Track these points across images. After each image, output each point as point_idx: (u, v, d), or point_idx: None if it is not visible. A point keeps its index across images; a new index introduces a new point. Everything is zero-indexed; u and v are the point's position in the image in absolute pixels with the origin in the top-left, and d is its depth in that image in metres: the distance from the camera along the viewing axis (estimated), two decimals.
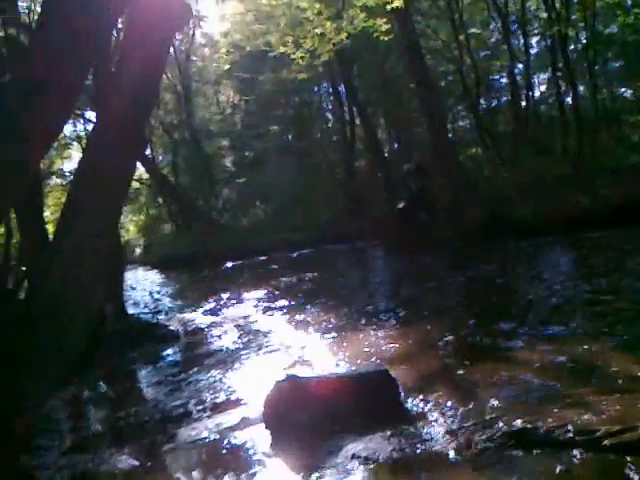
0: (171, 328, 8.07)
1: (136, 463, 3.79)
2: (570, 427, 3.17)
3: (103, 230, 4.76)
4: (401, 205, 15.25)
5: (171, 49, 26.32)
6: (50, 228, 8.81)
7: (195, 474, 3.58)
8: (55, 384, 3.51)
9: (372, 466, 3.26)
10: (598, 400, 3.58)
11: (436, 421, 3.72)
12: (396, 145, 27.76)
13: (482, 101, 23.85)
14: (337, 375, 4.79)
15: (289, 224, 22.68)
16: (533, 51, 23.62)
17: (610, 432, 3.05)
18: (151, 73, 4.73)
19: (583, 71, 20.33)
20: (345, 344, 6.10)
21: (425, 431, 3.58)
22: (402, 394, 4.17)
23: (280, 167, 27.83)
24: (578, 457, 2.98)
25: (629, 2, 17.95)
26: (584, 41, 20.08)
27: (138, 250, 32.92)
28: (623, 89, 24.54)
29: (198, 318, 9.09)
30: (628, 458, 2.87)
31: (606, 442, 3.00)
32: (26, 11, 12.05)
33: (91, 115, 17.82)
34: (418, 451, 3.35)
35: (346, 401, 3.95)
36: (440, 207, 15.04)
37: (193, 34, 27.81)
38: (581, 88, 20.95)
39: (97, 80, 9.90)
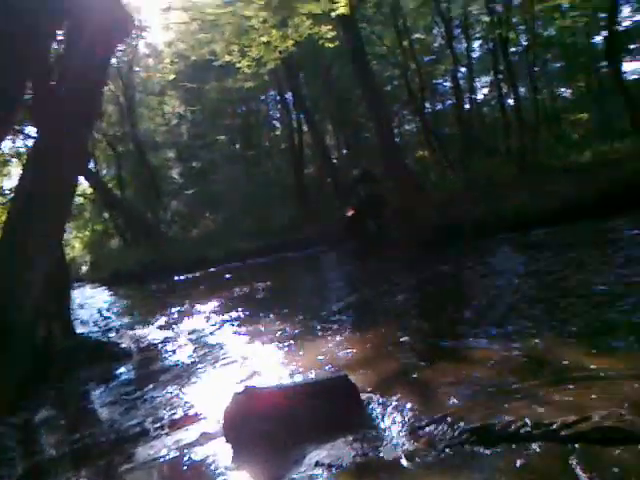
0: (123, 346, 7.85)
1: None
2: (527, 421, 3.23)
3: (47, 247, 4.60)
4: (349, 213, 15.36)
5: (113, 60, 25.85)
6: None
7: None
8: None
9: (336, 472, 3.23)
10: (553, 393, 3.67)
11: (397, 423, 3.72)
12: (344, 151, 27.95)
13: (427, 105, 24.27)
14: (296, 383, 4.75)
15: (240, 233, 22.50)
16: (475, 55, 24.24)
17: (566, 423, 3.12)
18: (93, 85, 4.62)
19: (524, 73, 20.94)
20: (302, 352, 6.06)
21: (387, 434, 3.58)
22: (362, 399, 4.15)
23: (229, 177, 27.63)
24: (537, 450, 3.02)
25: (565, 6, 18.59)
26: (524, 43, 20.68)
27: (85, 267, 31.98)
28: (563, 89, 25.48)
29: (151, 334, 8.87)
30: (584, 447, 2.94)
31: (563, 433, 3.07)
32: None
33: (31, 130, 17.31)
34: (381, 454, 3.34)
35: (306, 409, 3.90)
36: (390, 211, 15.15)
37: (136, 44, 27.32)
38: (522, 89, 21.54)
39: (37, 94, 9.58)
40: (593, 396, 3.48)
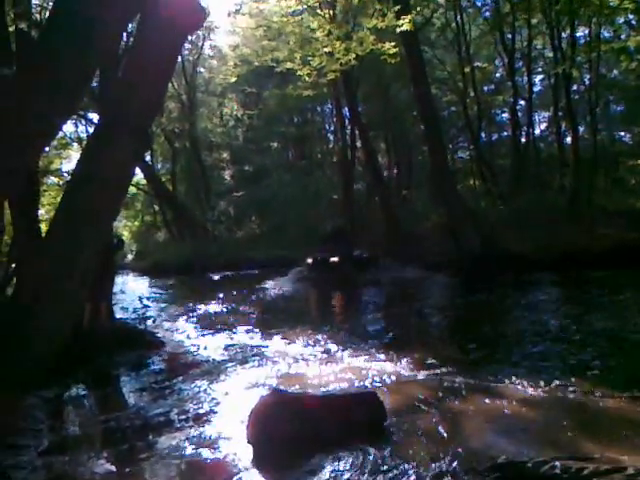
0: (158, 335, 7.97)
1: (113, 469, 3.71)
2: (557, 463, 3.10)
3: (99, 231, 4.73)
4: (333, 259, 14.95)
5: (179, 58, 26.51)
6: (43, 227, 8.75)
7: None
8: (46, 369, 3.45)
9: None
10: (585, 438, 3.59)
11: (420, 447, 3.68)
12: (395, 170, 27.90)
13: (483, 134, 24.07)
14: (324, 393, 4.75)
15: (284, 240, 22.66)
16: (536, 89, 23.93)
17: (598, 471, 2.96)
18: (158, 77, 4.74)
19: (584, 112, 20.58)
20: (333, 364, 6.07)
21: (409, 456, 3.54)
22: (389, 417, 4.13)
23: (279, 184, 27.88)
24: None
25: (632, 48, 18.22)
26: (587, 82, 20.33)
27: (130, 256, 32.73)
28: (622, 133, 24.88)
29: (186, 327, 9.01)
30: None
31: None
32: (38, 8, 12.13)
33: (94, 116, 17.85)
34: (401, 475, 3.30)
35: (331, 420, 3.89)
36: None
37: (202, 45, 27.98)
38: (581, 129, 21.15)
39: (103, 82, 9.94)
40: (628, 446, 3.38)
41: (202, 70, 30.90)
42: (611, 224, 13.67)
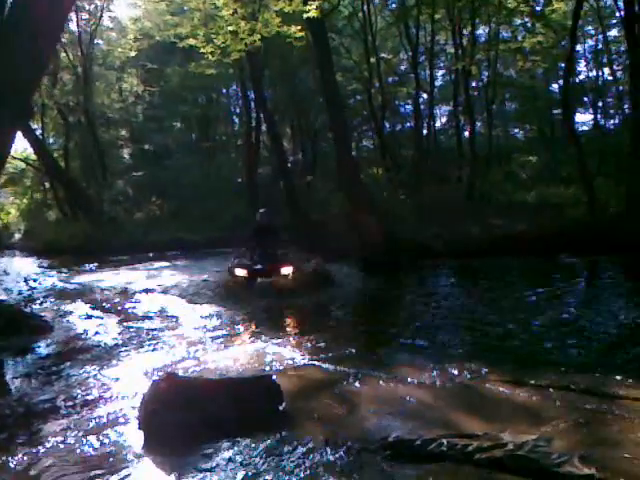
0: (45, 319, 7.54)
1: None
2: (444, 441, 3.28)
3: None
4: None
5: (75, 28, 25.06)
6: None
7: (56, 474, 3.30)
8: None
9: (246, 471, 3.18)
10: (470, 418, 3.79)
11: (316, 429, 3.72)
12: (300, 155, 27.93)
13: (387, 124, 24.59)
14: (220, 377, 4.68)
15: (185, 223, 22.16)
16: (438, 83, 24.73)
17: (481, 447, 3.18)
18: (43, 43, 4.42)
19: (481, 108, 21.54)
20: (230, 348, 6.01)
21: (304, 438, 3.56)
22: (286, 401, 4.12)
23: (181, 165, 27.16)
24: (449, 469, 3.08)
25: (527, 49, 19.31)
26: (485, 80, 21.26)
27: (17, 235, 30.77)
28: (516, 129, 26.36)
29: (76, 310, 8.57)
30: (496, 472, 3.00)
31: (477, 456, 3.13)
32: None
33: None
34: (296, 457, 3.32)
35: (227, 404, 3.84)
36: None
37: (100, 15, 26.53)
38: (478, 124, 22.09)
39: None
40: (509, 425, 3.59)
41: (100, 42, 29.31)
42: (502, 215, 14.48)
